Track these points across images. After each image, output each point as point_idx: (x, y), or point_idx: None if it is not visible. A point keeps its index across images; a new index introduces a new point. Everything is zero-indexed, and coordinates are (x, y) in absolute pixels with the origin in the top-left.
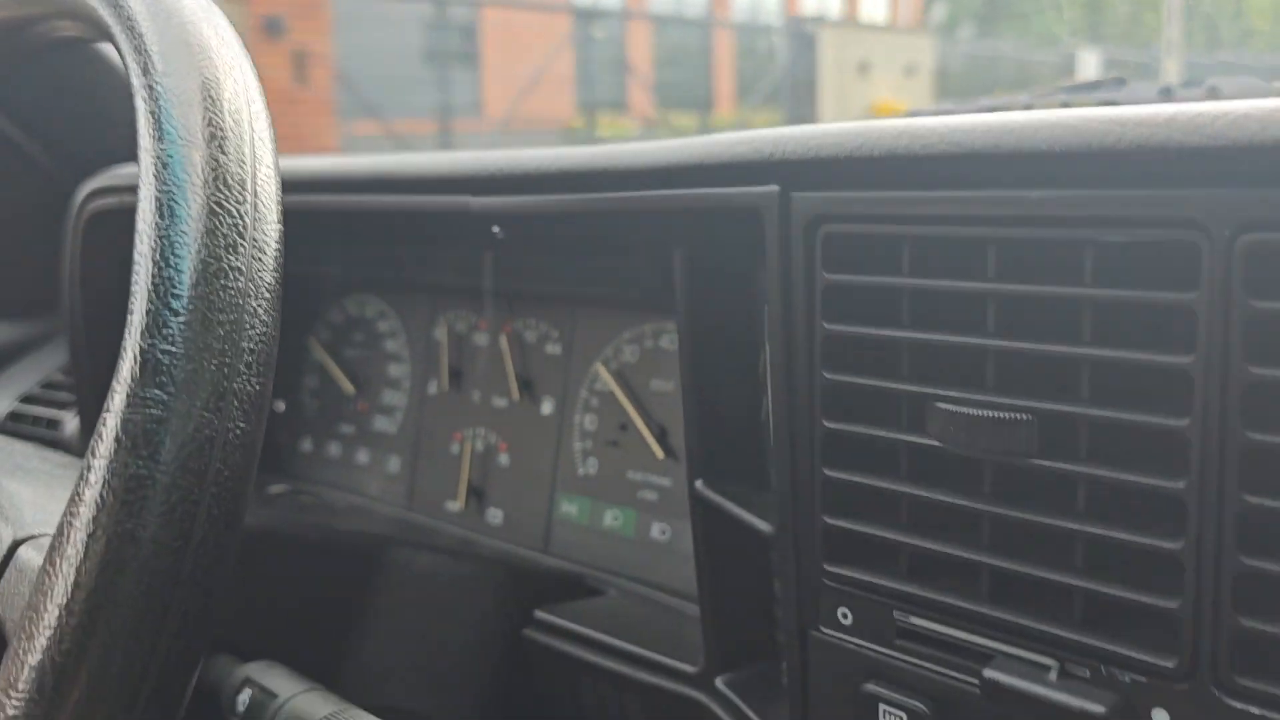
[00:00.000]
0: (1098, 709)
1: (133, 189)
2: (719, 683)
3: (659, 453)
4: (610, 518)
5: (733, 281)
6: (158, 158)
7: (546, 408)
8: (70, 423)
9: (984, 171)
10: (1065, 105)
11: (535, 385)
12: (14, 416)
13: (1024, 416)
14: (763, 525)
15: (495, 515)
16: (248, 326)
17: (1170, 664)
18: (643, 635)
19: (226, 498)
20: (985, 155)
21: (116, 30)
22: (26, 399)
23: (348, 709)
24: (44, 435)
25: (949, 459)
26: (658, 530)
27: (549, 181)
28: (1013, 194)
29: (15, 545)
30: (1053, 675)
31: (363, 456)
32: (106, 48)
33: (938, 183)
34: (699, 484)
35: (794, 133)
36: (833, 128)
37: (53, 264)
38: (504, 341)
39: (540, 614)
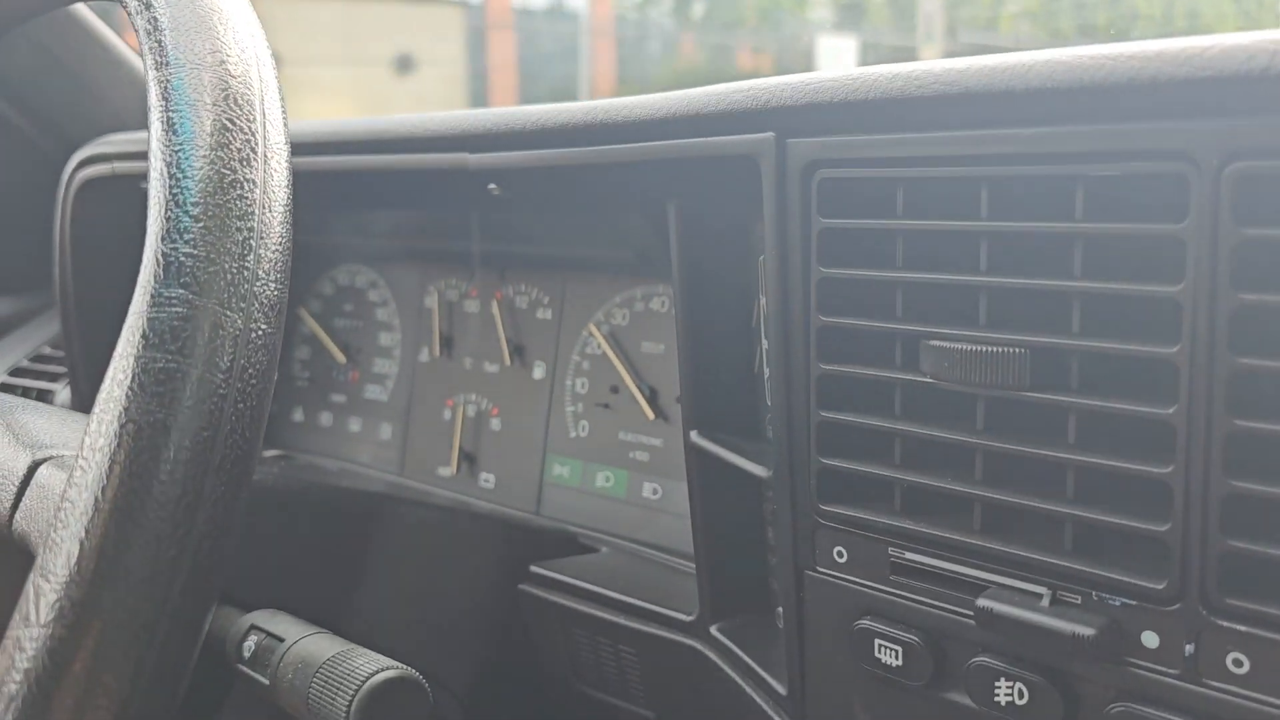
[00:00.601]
0: (1088, 632)
1: (122, 156)
2: (714, 630)
3: (649, 414)
4: (602, 479)
5: (725, 234)
6: (165, 81)
7: (538, 372)
8: (61, 393)
9: (977, 111)
10: None
11: (526, 350)
12: (4, 388)
13: (1017, 350)
14: (758, 470)
15: (488, 479)
16: (264, 234)
17: (1159, 586)
18: (637, 587)
19: (251, 393)
20: (978, 95)
21: None
22: (16, 371)
23: (354, 648)
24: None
25: (942, 396)
26: (649, 490)
27: (546, 136)
28: (1005, 132)
29: (35, 465)
30: (1045, 602)
31: (354, 425)
32: (95, 21)
33: (931, 125)
34: (694, 434)
35: (789, 80)
36: (827, 74)
37: (43, 239)
38: (495, 307)
39: (536, 569)
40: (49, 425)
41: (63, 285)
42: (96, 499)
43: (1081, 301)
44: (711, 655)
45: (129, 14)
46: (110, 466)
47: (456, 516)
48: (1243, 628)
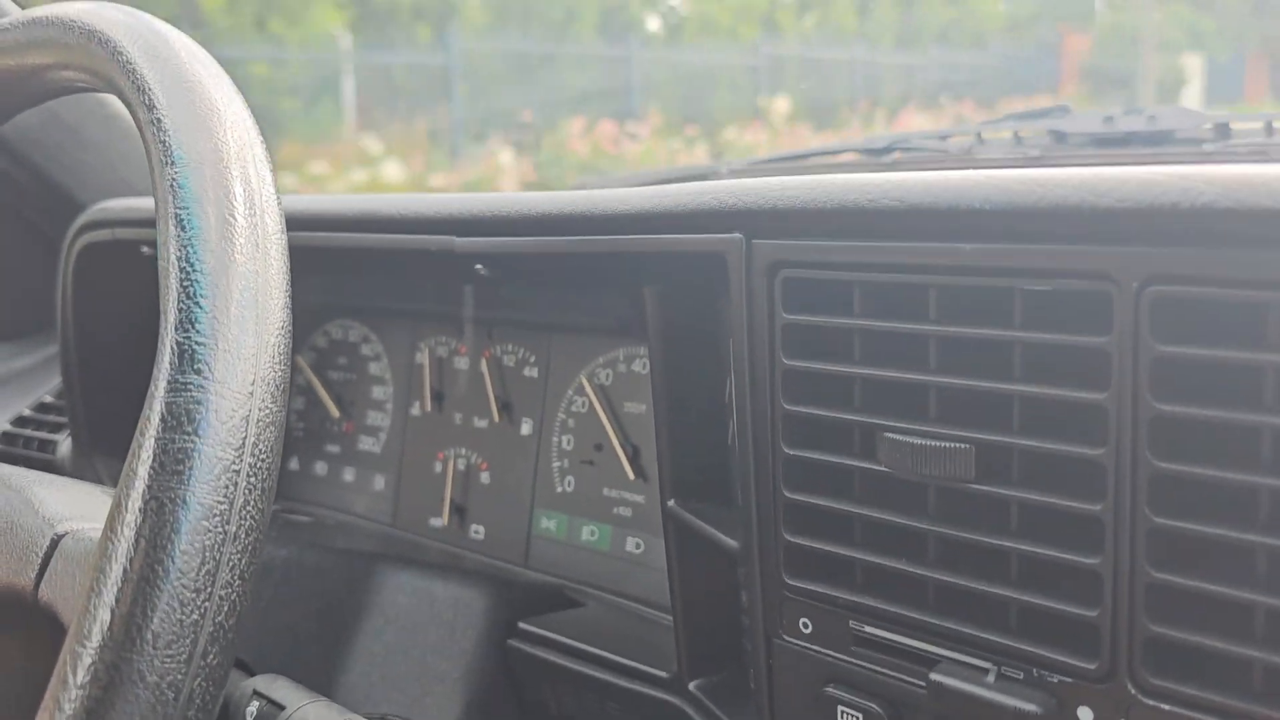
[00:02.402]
0: (1031, 708)
1: (123, 222)
2: (692, 687)
3: (630, 474)
4: (587, 533)
5: (700, 315)
6: (172, 180)
7: (525, 428)
8: (64, 444)
9: (925, 224)
10: (1014, 132)
11: (514, 407)
12: (7, 437)
13: (963, 445)
14: (729, 542)
15: (478, 530)
16: (266, 319)
17: (1092, 666)
18: (620, 643)
19: (262, 468)
20: (923, 210)
21: (119, 76)
22: (19, 421)
23: (353, 717)
24: (37, 457)
25: (898, 483)
26: (632, 544)
27: (528, 224)
28: (948, 245)
29: (58, 538)
30: (991, 678)
31: (348, 475)
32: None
33: (885, 234)
34: (671, 503)
35: (754, 185)
36: (790, 181)
37: (42, 291)
38: (484, 365)
39: (524, 625)
40: (66, 498)
41: (64, 342)
42: (125, 569)
43: (1021, 402)
44: (689, 710)
45: (133, 112)
46: (136, 540)
47: (447, 575)
48: (1167, 706)
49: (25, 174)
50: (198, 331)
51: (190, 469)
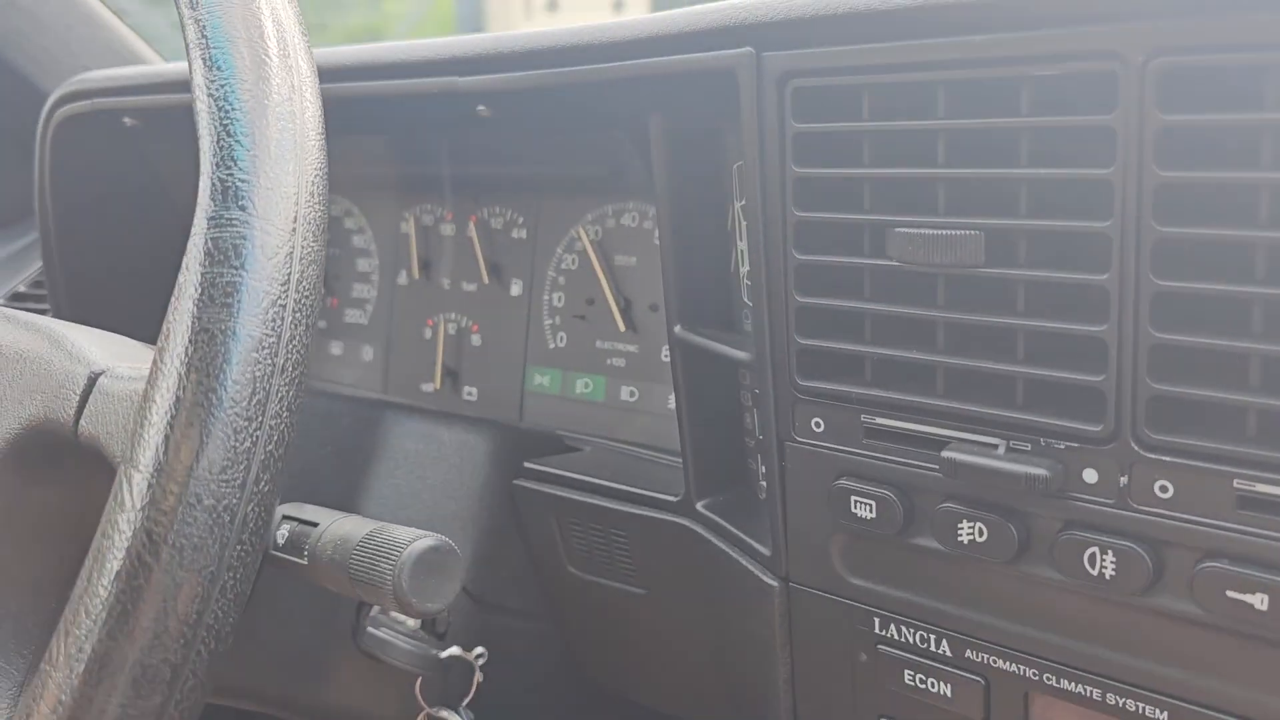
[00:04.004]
0: (1040, 473)
1: (102, 91)
2: (700, 506)
3: (622, 325)
4: (581, 385)
5: (702, 144)
6: (200, 21)
7: (515, 289)
8: None
9: (932, 21)
10: None
11: (503, 269)
12: None
13: (972, 233)
14: (739, 354)
15: (470, 392)
16: (305, 159)
17: (1097, 429)
18: (624, 476)
19: (306, 304)
20: (930, 6)
21: None
22: (15, 296)
23: (386, 525)
24: None
25: (906, 279)
26: (626, 393)
27: (534, 58)
28: (957, 39)
29: (94, 377)
30: (1001, 450)
31: (336, 349)
32: None
33: (892, 35)
34: (678, 329)
35: (764, 0)
36: None
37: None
38: (472, 229)
39: (529, 464)
40: (98, 341)
41: (43, 222)
42: (179, 397)
43: (1028, 187)
44: (698, 529)
45: None
46: (187, 370)
47: (451, 422)
48: (1168, 458)
49: (6, 51)
50: (239, 168)
51: (238, 301)
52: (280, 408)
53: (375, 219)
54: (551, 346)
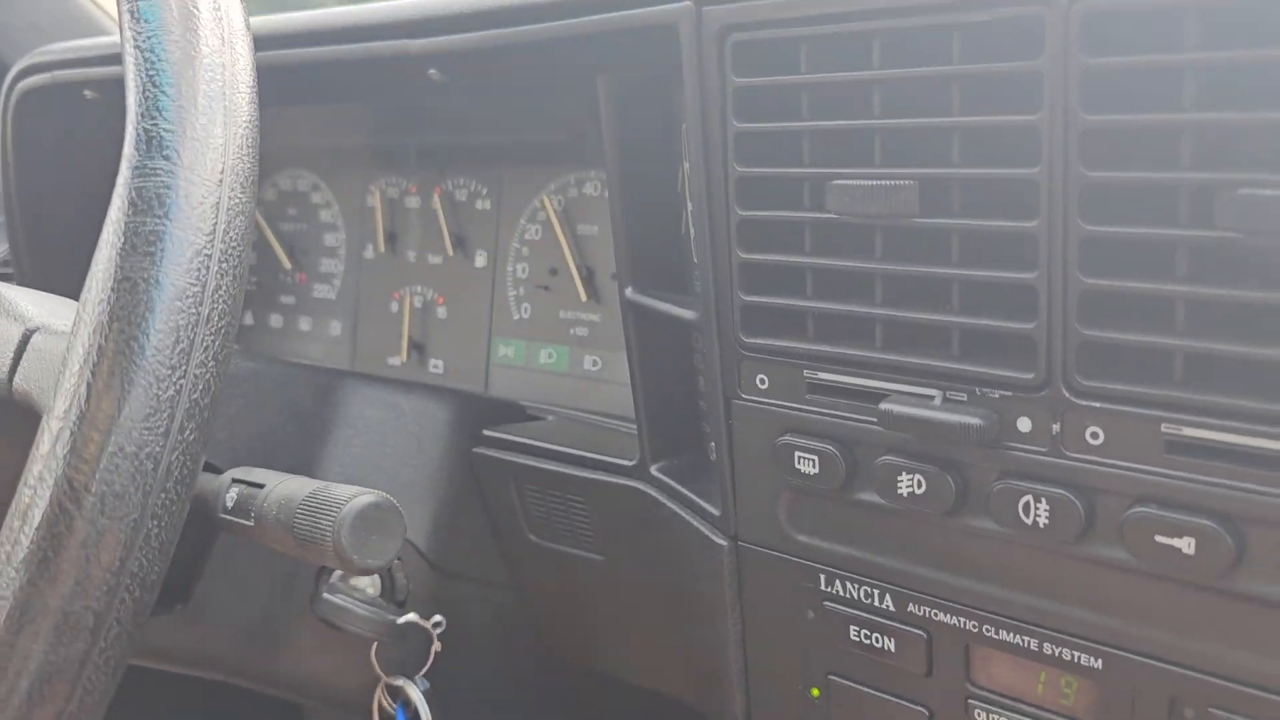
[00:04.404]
0: (975, 422)
1: (63, 64)
2: (654, 469)
3: (584, 295)
4: (545, 355)
5: (650, 104)
6: None
7: (480, 260)
8: None
9: None
10: None
11: (468, 241)
12: None
13: (907, 182)
14: (687, 314)
15: (436, 365)
16: (233, 111)
17: (1029, 376)
18: (583, 443)
19: (233, 254)
20: None
21: None
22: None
23: (330, 484)
24: None
25: (846, 230)
26: (589, 362)
27: (483, 18)
28: None
29: (28, 333)
30: (937, 401)
31: (304, 324)
32: None
33: None
34: (629, 291)
35: None
36: None
37: None
38: (437, 201)
39: (489, 432)
40: (34, 300)
41: (6, 197)
42: (100, 345)
43: (960, 135)
44: (653, 492)
45: None
46: (110, 319)
47: (411, 389)
48: (1098, 404)
49: None
50: (164, 119)
51: (161, 250)
52: (205, 357)
53: (341, 193)
54: (516, 318)
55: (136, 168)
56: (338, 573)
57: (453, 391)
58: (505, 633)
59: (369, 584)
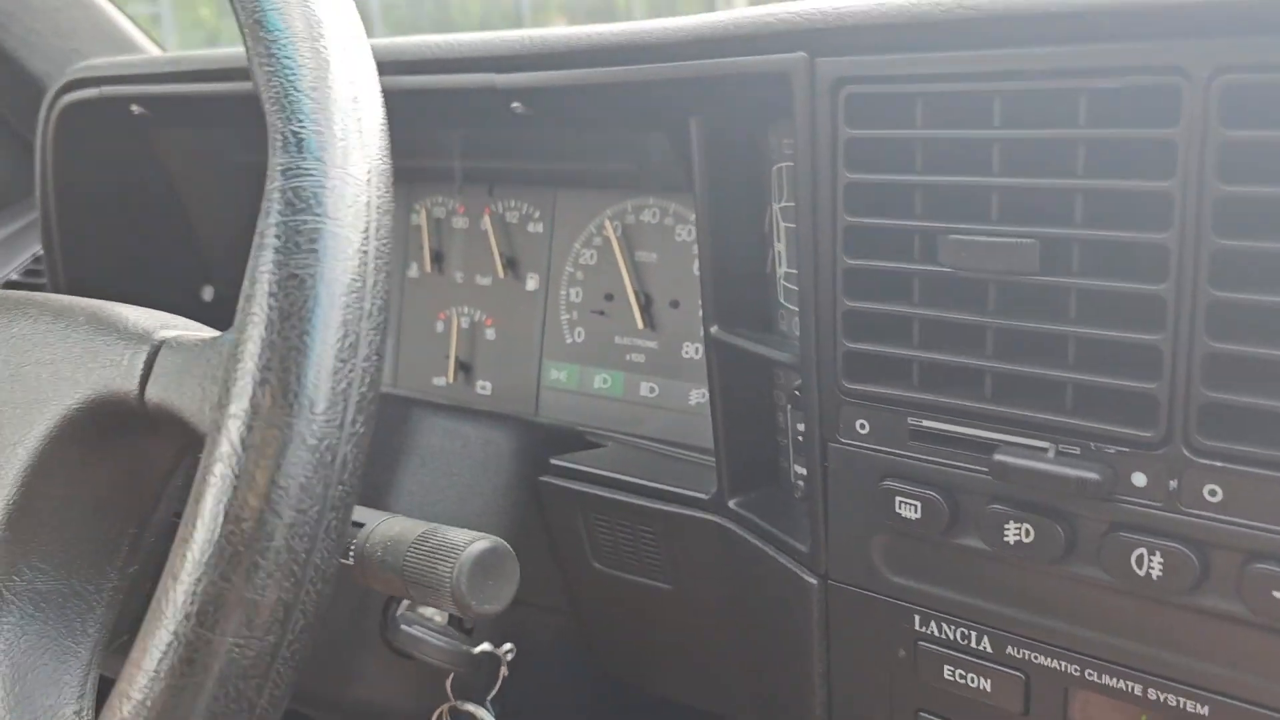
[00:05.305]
0: (1092, 476)
1: (111, 79)
2: (733, 503)
3: (640, 323)
4: (599, 380)
5: (741, 146)
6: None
7: (531, 284)
8: None
9: (991, 32)
10: None
11: (519, 263)
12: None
13: (1027, 241)
14: (780, 355)
15: (484, 386)
16: (367, 115)
17: (1149, 434)
18: (653, 474)
19: (384, 253)
20: (994, 17)
21: None
22: (9, 285)
23: (438, 526)
24: None
25: (957, 283)
26: (646, 389)
27: (575, 57)
28: (1017, 51)
29: (158, 345)
30: (1051, 454)
31: None
32: None
33: (949, 45)
34: (715, 329)
35: (819, 5)
36: (853, 0)
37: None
38: (487, 222)
39: (556, 461)
40: (149, 315)
41: (44, 209)
42: (273, 342)
43: (1084, 197)
44: (731, 526)
45: None
46: (281, 316)
47: (476, 418)
48: (1218, 463)
49: (7, 36)
50: (310, 121)
51: (324, 247)
52: (370, 351)
53: None
54: (569, 341)
55: (287, 169)
56: (405, 602)
57: (511, 418)
58: (568, 658)
59: (435, 612)
